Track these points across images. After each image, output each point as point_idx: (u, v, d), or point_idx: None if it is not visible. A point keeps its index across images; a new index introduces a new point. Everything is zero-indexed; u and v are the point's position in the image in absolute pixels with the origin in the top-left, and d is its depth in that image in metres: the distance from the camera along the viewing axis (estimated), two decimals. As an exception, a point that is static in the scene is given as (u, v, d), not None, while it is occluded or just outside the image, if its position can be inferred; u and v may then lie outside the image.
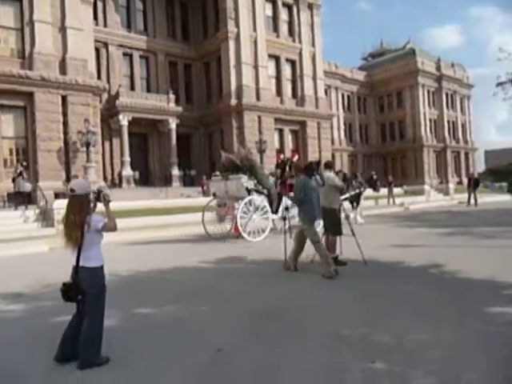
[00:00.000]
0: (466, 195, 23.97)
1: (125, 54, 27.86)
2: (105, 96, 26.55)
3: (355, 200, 14.67)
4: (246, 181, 11.18)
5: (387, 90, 49.27)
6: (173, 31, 29.98)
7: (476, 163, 54.65)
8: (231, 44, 27.32)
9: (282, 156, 15.11)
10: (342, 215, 7.30)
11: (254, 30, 28.06)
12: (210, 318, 4.38)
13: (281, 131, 29.79)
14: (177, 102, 28.52)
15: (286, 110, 29.25)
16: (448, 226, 12.17)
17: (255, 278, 6.30)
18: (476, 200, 23.12)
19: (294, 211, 10.43)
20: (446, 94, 49.24)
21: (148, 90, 28.72)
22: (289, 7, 30.40)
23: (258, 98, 27.86)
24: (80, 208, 3.13)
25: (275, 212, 11.35)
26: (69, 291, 3.12)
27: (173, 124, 27.75)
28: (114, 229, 3.27)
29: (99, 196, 3.29)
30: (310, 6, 31.27)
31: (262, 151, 26.57)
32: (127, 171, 26.00)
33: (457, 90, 50.55)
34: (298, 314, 4.46)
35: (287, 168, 12.50)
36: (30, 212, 14.25)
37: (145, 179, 27.88)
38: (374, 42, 61.94)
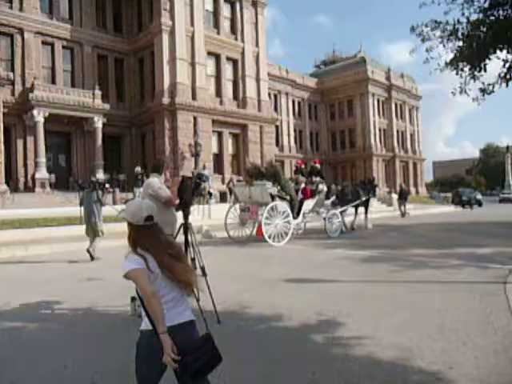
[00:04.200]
0: (409, 206, 23.17)
1: (45, 43, 24.79)
2: (19, 88, 23.61)
3: (364, 206, 15.23)
4: (270, 187, 11.58)
5: (338, 97, 48.59)
6: (103, 21, 27.17)
7: (424, 173, 55.11)
8: (165, 38, 24.98)
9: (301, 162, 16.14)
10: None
11: (192, 24, 25.88)
12: None
13: (220, 134, 27.74)
14: (105, 98, 25.89)
15: (226, 111, 27.24)
16: (373, 247, 10.49)
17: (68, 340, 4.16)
18: (405, 211, 22.76)
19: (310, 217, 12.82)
20: (396, 104, 49.23)
21: (72, 85, 25.79)
22: (231, 3, 28.46)
23: (194, 98, 25.67)
24: None
25: (296, 217, 12.00)
26: None
27: (99, 123, 25.05)
28: None
29: None
30: (255, 4, 29.53)
31: (196, 154, 24.49)
32: (42, 174, 22.97)
33: (406, 101, 50.71)
34: None
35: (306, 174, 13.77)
36: None
37: (66, 183, 24.87)
38: (328, 51, 61.61)
